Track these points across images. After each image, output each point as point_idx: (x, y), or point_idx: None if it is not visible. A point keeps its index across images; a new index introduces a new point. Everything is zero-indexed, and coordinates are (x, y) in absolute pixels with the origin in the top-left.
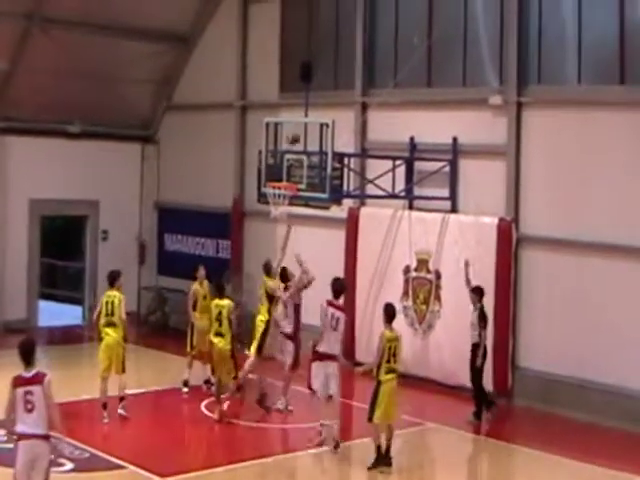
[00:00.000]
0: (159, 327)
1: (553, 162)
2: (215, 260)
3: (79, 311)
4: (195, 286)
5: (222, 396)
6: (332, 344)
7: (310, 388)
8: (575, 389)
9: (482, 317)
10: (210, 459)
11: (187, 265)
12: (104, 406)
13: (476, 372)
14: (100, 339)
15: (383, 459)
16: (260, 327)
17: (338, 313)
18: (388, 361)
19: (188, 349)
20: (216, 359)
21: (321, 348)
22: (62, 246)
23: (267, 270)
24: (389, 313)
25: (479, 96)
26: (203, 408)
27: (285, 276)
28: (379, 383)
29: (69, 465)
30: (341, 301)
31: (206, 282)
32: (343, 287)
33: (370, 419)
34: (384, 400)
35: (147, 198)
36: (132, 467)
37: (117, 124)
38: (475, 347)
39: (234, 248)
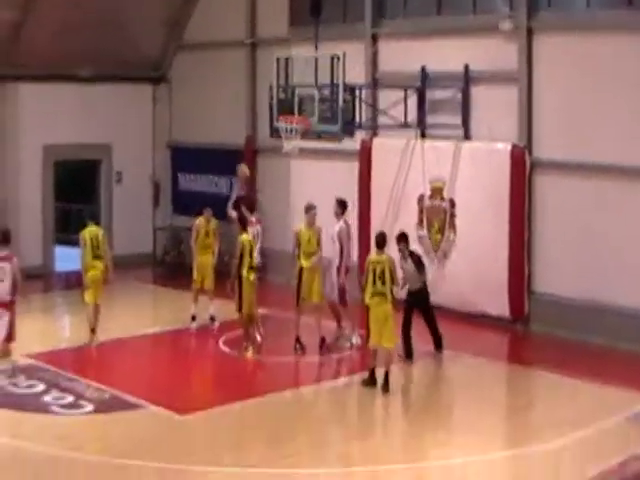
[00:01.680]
0: (175, 267)
1: (565, 87)
2: (229, 198)
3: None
4: (197, 220)
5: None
6: None
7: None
8: (591, 313)
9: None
10: (228, 395)
11: (201, 204)
12: (92, 331)
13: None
14: (87, 272)
15: (372, 381)
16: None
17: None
18: (374, 283)
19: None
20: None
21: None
22: (76, 190)
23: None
24: (377, 240)
25: (489, 23)
26: (221, 344)
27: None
28: (367, 308)
29: (89, 406)
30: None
31: (214, 220)
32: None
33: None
34: (374, 325)
35: (160, 138)
36: (151, 406)
37: (128, 66)
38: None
39: (248, 185)
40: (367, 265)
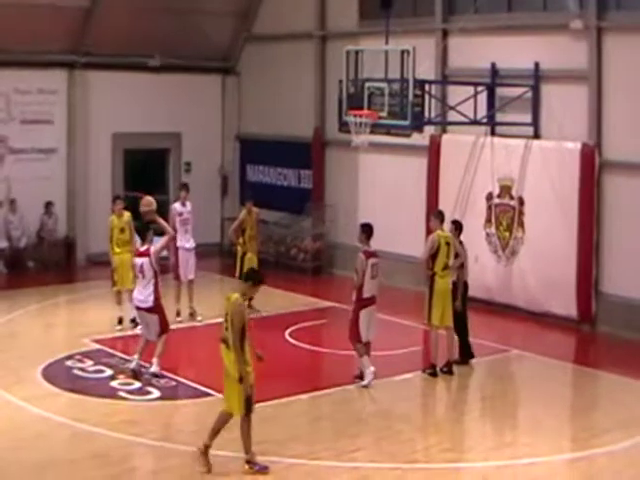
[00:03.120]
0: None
1: (635, 86)
2: (297, 190)
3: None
4: (243, 215)
5: None
6: (373, 288)
7: (354, 338)
8: None
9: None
10: (295, 386)
11: (269, 195)
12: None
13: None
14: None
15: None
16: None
17: (376, 260)
18: (447, 257)
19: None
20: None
21: (366, 294)
22: (145, 179)
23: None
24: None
25: (560, 21)
26: (287, 336)
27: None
28: (432, 282)
29: (156, 393)
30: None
31: (255, 211)
32: (372, 230)
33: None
34: (439, 301)
35: (228, 130)
36: (218, 394)
37: (197, 57)
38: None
39: (316, 178)
40: (437, 239)
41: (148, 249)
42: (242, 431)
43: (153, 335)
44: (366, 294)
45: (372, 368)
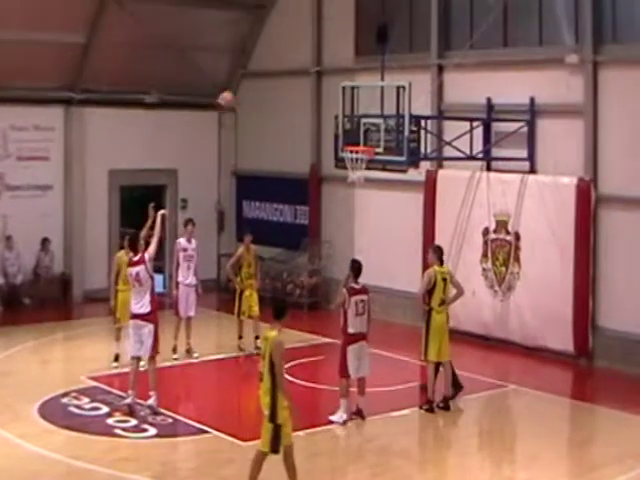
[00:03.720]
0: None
1: (631, 120)
2: (293, 226)
3: (160, 279)
4: (241, 251)
5: None
6: (359, 325)
7: (341, 374)
8: None
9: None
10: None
11: (266, 231)
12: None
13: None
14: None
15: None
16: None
17: (363, 297)
18: (443, 293)
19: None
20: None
21: (351, 330)
22: (142, 216)
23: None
24: (440, 253)
25: (555, 55)
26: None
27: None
28: (428, 317)
29: (152, 430)
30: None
31: (253, 247)
32: (361, 267)
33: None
34: (436, 336)
35: (225, 166)
36: (215, 432)
37: (194, 93)
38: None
39: (312, 214)
40: (434, 275)
41: (142, 257)
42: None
43: (145, 350)
44: (351, 330)
45: (345, 416)
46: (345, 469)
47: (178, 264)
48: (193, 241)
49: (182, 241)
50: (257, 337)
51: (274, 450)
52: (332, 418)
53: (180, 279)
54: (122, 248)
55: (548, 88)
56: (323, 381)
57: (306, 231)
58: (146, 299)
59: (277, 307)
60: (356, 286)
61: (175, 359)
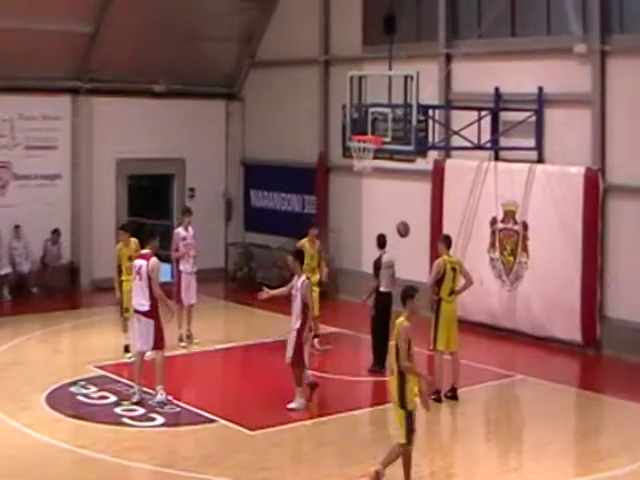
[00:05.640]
0: (246, 283)
1: (638, 110)
2: (300, 215)
3: (167, 268)
4: (302, 244)
5: None
6: None
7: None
8: None
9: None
10: (299, 412)
11: (273, 221)
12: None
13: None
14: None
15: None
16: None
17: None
18: (453, 282)
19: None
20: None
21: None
22: (149, 205)
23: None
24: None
25: (563, 45)
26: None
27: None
28: (437, 307)
29: (160, 419)
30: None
31: (318, 242)
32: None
33: None
34: (445, 326)
35: (233, 155)
36: (222, 421)
37: (201, 82)
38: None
39: (319, 203)
40: (443, 265)
41: (149, 255)
42: (402, 460)
43: (149, 344)
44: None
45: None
46: (353, 458)
47: (181, 254)
48: (190, 229)
49: (181, 230)
50: (316, 336)
51: (409, 441)
52: (292, 406)
53: (182, 267)
54: (120, 241)
55: (556, 78)
56: (331, 370)
57: (313, 221)
58: (146, 295)
59: (402, 293)
60: None
61: (183, 347)
